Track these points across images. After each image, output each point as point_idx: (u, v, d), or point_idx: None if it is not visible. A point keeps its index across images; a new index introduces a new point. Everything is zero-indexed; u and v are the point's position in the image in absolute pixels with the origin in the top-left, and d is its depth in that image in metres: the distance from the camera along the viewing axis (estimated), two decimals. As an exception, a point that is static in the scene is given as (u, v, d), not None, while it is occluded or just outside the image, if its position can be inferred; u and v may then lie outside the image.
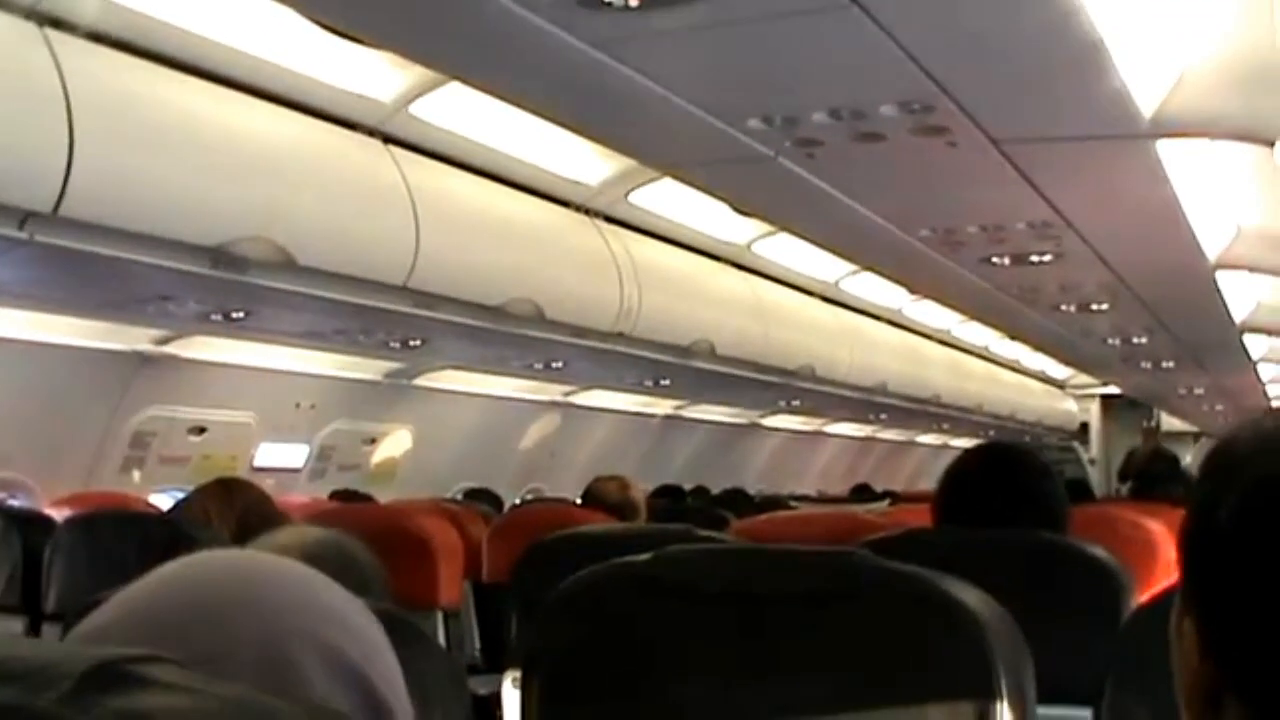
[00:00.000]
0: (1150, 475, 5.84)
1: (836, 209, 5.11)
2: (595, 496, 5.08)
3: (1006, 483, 2.75)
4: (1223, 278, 7.16)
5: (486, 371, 8.34)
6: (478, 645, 4.82)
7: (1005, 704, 1.52)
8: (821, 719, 1.59)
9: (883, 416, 13.96)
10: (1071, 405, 20.53)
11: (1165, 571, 2.80)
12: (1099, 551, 2.58)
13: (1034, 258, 6.12)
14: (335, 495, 7.04)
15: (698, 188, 5.89)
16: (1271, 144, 4.01)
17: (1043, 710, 1.62)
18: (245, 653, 0.75)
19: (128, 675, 0.55)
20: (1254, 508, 0.86)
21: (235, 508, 2.97)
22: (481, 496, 7.74)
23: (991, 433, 15.42)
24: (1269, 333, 9.77)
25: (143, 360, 6.71)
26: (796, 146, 4.21)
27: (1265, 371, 12.49)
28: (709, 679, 1.65)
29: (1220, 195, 5.73)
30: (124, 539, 3.33)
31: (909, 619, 1.59)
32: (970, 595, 1.61)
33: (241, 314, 5.94)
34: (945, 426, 15.03)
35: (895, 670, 1.58)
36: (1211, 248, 6.35)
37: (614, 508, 4.93)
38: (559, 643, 1.79)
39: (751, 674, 1.64)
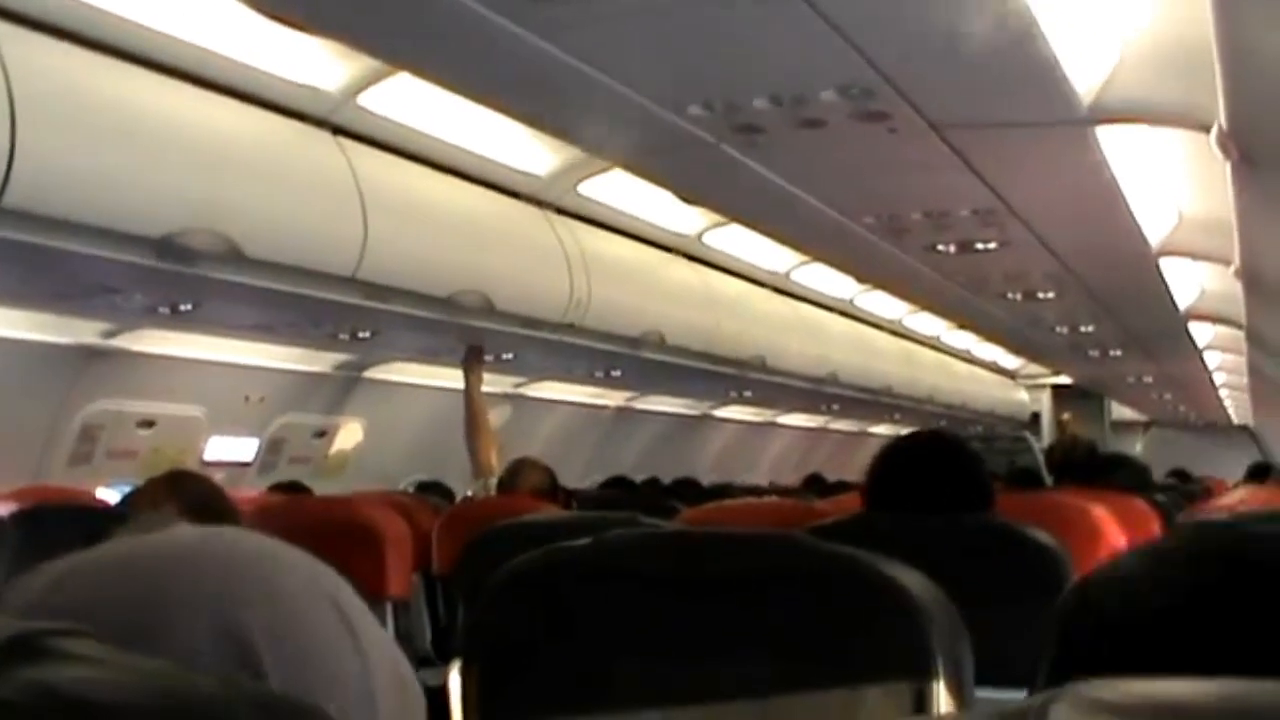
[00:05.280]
0: (1069, 466, 5.89)
1: (781, 197, 5.13)
2: (521, 483, 5.12)
3: (934, 467, 2.79)
4: (1166, 265, 7.22)
5: (438, 364, 8.32)
6: (429, 636, 4.83)
7: (942, 684, 1.53)
8: (760, 700, 1.60)
9: (834, 407, 14.02)
10: (1023, 395, 20.63)
11: (1108, 554, 2.83)
12: (1040, 535, 2.61)
13: (979, 245, 6.16)
14: (275, 488, 7.01)
15: (647, 178, 5.90)
16: (1207, 129, 4.05)
17: (981, 692, 1.64)
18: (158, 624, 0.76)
19: (44, 648, 0.56)
20: None
21: (185, 500, 2.96)
22: (433, 489, 7.73)
23: (943, 423, 15.47)
24: (1213, 320, 9.85)
25: (90, 354, 6.67)
26: (738, 134, 4.22)
27: (1211, 359, 12.59)
28: (649, 662, 1.66)
29: (1162, 183, 5.78)
30: (71, 532, 3.30)
31: (846, 600, 1.61)
32: (908, 576, 1.63)
33: (189, 306, 5.92)
34: (897, 417, 15.09)
35: (833, 651, 1.59)
36: (1154, 235, 6.40)
37: (546, 493, 4.97)
38: (499, 628, 1.79)
39: (690, 656, 1.65)
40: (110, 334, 6.65)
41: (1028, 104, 4.05)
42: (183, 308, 5.92)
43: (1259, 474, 7.58)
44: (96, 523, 3.39)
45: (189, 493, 2.94)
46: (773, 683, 1.60)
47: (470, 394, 7.52)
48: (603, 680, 1.69)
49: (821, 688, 1.58)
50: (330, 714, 0.79)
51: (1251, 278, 6.85)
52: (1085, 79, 3.94)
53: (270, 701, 0.58)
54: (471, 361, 7.55)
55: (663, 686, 1.65)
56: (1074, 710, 0.52)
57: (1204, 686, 0.53)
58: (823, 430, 16.00)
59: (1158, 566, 1.09)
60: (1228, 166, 4.42)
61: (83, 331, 6.54)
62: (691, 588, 1.68)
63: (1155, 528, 3.86)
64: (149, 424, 7.19)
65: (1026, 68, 3.65)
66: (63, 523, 3.53)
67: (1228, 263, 6.70)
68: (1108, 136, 4.57)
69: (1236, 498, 5.60)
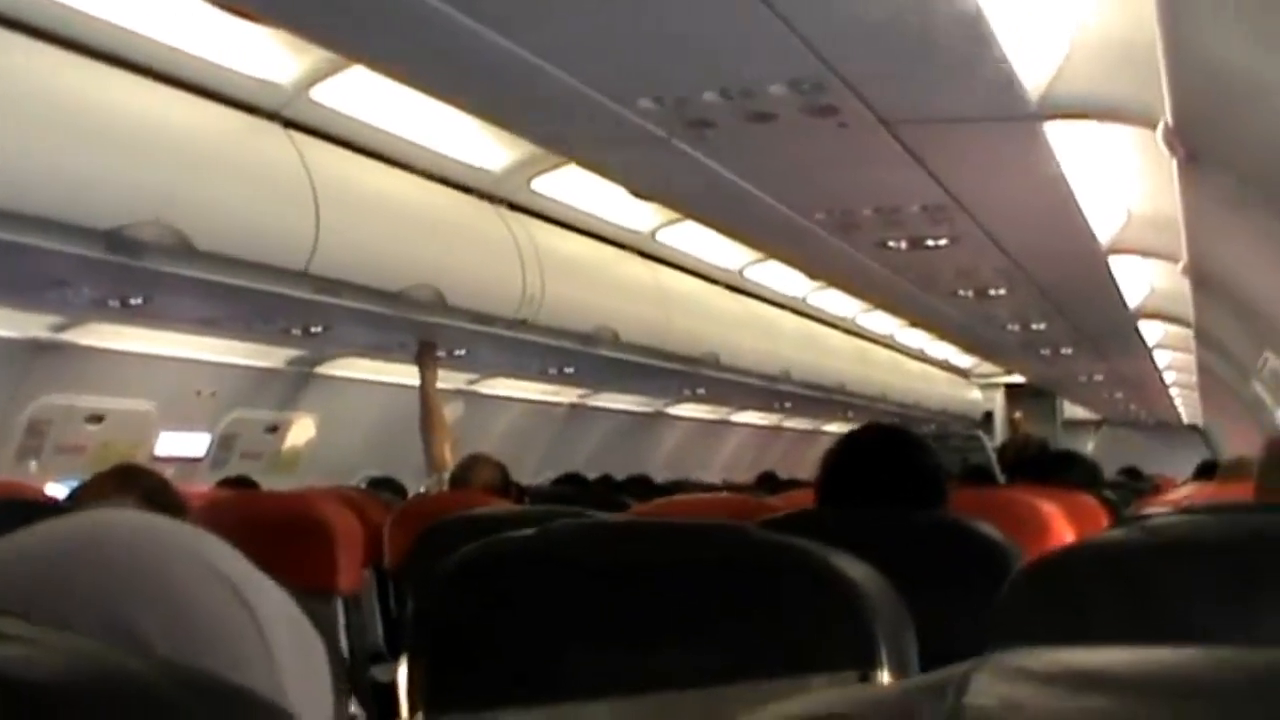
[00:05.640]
0: (1021, 464, 5.95)
1: (731, 192, 5.14)
2: (473, 479, 5.13)
3: (886, 462, 2.79)
4: (1116, 263, 7.27)
5: (392, 359, 8.31)
6: (381, 631, 4.82)
7: (886, 673, 1.54)
8: (706, 689, 1.61)
9: (788, 405, 14.05)
10: (976, 394, 20.75)
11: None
12: (986, 529, 2.62)
13: (929, 241, 6.18)
14: (224, 483, 6.99)
15: (598, 172, 5.90)
16: (1154, 126, 4.08)
17: (928, 682, 1.64)
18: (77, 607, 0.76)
19: None
20: None
21: (133, 494, 2.94)
22: (386, 485, 7.72)
23: (897, 421, 15.53)
24: (1163, 319, 9.92)
25: (38, 347, 6.62)
26: (689, 128, 4.23)
27: (1161, 358, 12.68)
28: (594, 651, 1.66)
29: (1111, 180, 5.82)
30: (16, 528, 3.29)
31: (791, 590, 1.62)
32: (853, 568, 1.64)
33: (139, 300, 5.89)
34: (851, 415, 15.14)
35: (778, 641, 1.60)
36: (1104, 232, 6.44)
37: (498, 489, 4.98)
38: (444, 619, 1.78)
39: (635, 646, 1.65)
40: (59, 328, 6.61)
41: (977, 99, 4.07)
42: (133, 301, 5.89)
43: (1206, 472, 7.64)
44: (42, 518, 3.37)
45: (137, 487, 2.92)
46: (718, 672, 1.60)
47: (425, 389, 7.52)
48: (548, 669, 1.69)
49: (767, 677, 1.59)
50: None
51: (1199, 276, 6.91)
52: (1034, 75, 3.97)
53: (195, 679, 0.58)
54: (425, 357, 7.55)
55: (608, 676, 1.65)
56: (994, 678, 0.53)
57: (1122, 654, 0.54)
58: (777, 428, 16.05)
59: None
60: (1174, 164, 4.45)
61: (30, 325, 6.49)
62: (636, 577, 1.69)
63: (1104, 523, 3.88)
64: (98, 419, 7.16)
65: (975, 63, 3.66)
66: (8, 518, 3.44)
67: (1176, 261, 6.76)
68: (1057, 133, 4.60)
69: (1182, 494, 5.65)
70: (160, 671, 0.57)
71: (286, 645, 0.84)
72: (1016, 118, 4.24)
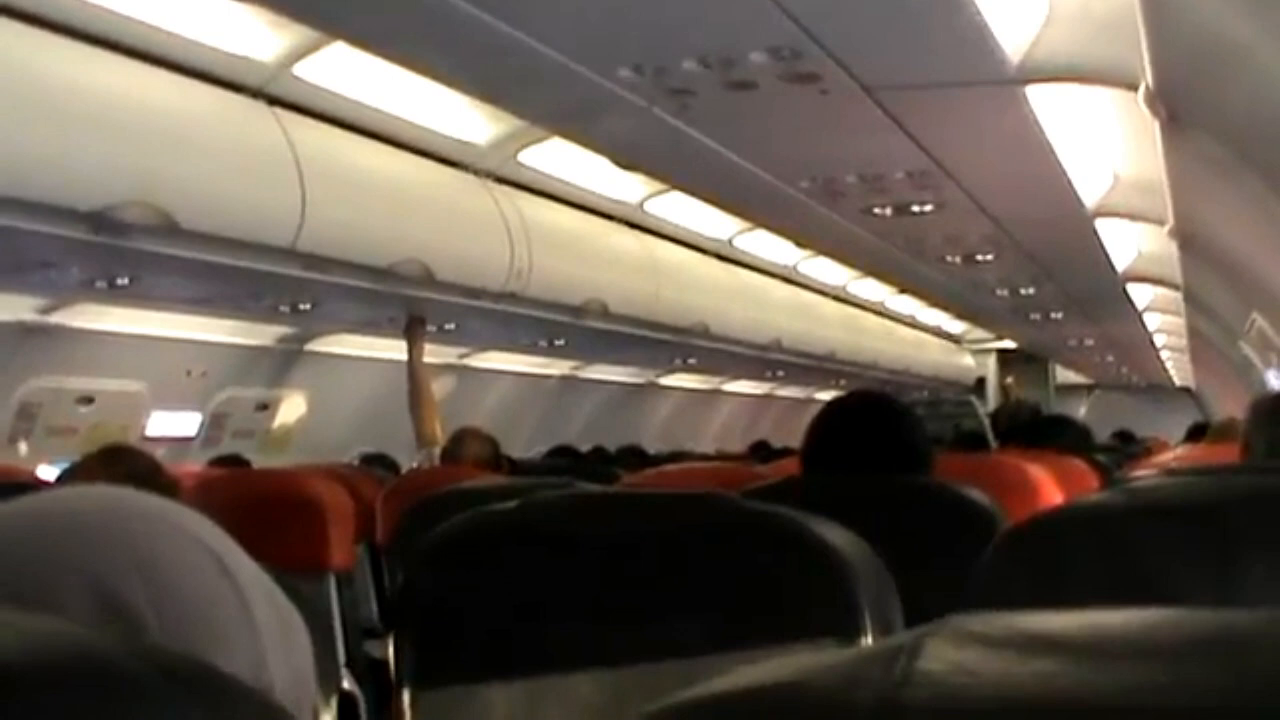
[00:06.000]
0: (1013, 429, 5.97)
1: (715, 161, 5.14)
2: (464, 453, 5.12)
3: (871, 429, 2.79)
4: (1103, 226, 7.28)
5: (381, 335, 8.29)
6: (374, 607, 4.83)
7: (870, 639, 1.53)
8: (689, 660, 1.61)
9: (779, 374, 14.05)
10: (968, 360, 20.72)
11: (1045, 512, 2.85)
12: (972, 492, 2.62)
13: (915, 208, 6.18)
14: (215, 462, 6.98)
15: (581, 143, 5.89)
16: (1135, 89, 4.08)
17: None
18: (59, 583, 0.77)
19: None
20: None
21: (122, 476, 2.93)
22: (378, 462, 7.72)
23: (889, 388, 15.53)
24: (1152, 282, 9.92)
25: (26, 330, 6.61)
26: (669, 97, 4.22)
27: (1151, 321, 12.68)
28: (577, 622, 1.66)
29: (1096, 144, 5.81)
30: (8, 510, 3.29)
31: (774, 559, 1.62)
32: (836, 535, 1.63)
33: (126, 281, 5.88)
34: (843, 383, 15.14)
35: (762, 610, 1.60)
36: (1089, 196, 6.45)
37: (489, 463, 4.97)
38: (428, 594, 1.79)
39: (619, 617, 1.65)
40: (47, 310, 6.60)
41: (957, 64, 4.07)
42: (120, 282, 5.88)
43: (1197, 434, 7.67)
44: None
45: (126, 468, 2.92)
46: (701, 642, 1.60)
47: (413, 364, 7.51)
48: (531, 642, 1.69)
49: (750, 647, 1.59)
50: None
51: (1185, 238, 6.91)
52: (1014, 38, 3.96)
53: (168, 660, 0.58)
54: (413, 332, 7.54)
55: (591, 647, 1.65)
56: (948, 643, 0.53)
57: (1078, 618, 0.54)
58: (769, 397, 16.05)
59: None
60: (1157, 126, 4.45)
61: (19, 308, 6.48)
62: (619, 548, 1.69)
63: (1094, 486, 3.88)
64: (89, 400, 7.15)
65: (955, 27, 3.66)
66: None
67: (1163, 224, 6.76)
68: (1040, 97, 4.60)
69: (1171, 455, 5.66)
70: (132, 653, 0.57)
71: (267, 617, 0.84)
72: (997, 81, 4.24)
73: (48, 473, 6.10)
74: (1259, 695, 0.46)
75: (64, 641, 0.56)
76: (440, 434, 6.88)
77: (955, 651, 0.52)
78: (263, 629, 0.84)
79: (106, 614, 0.77)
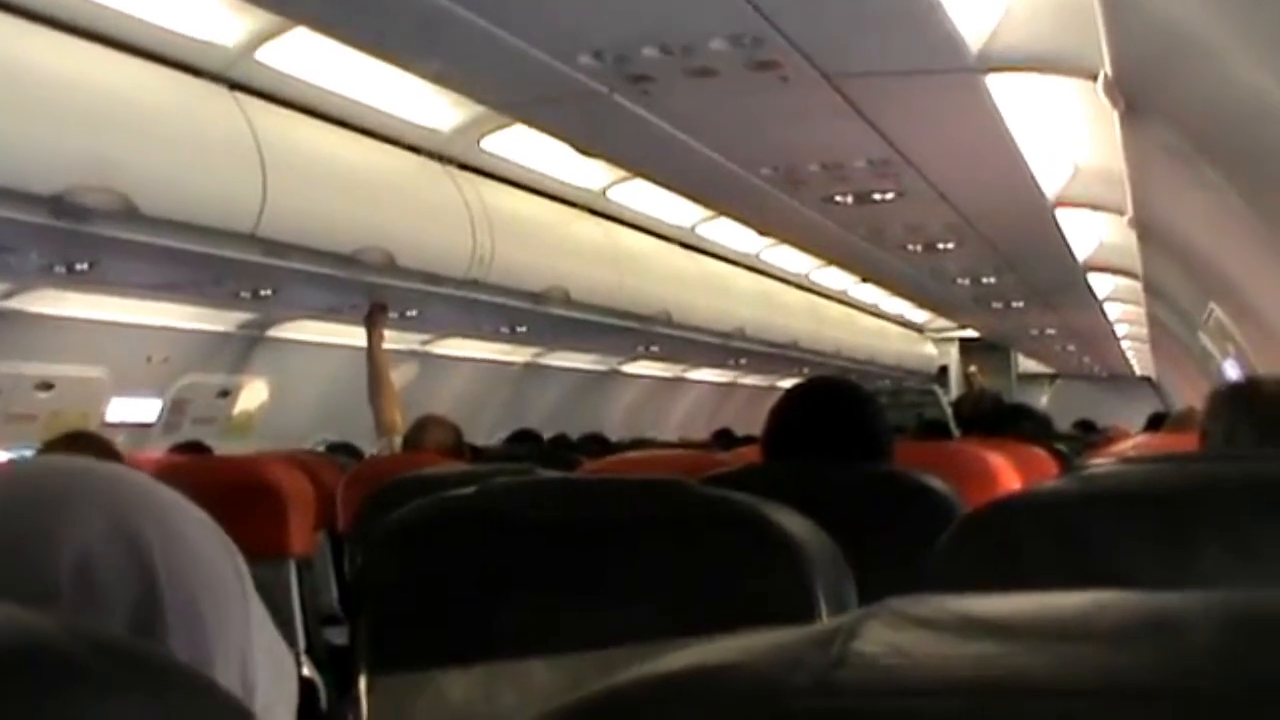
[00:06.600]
0: (975, 418, 6.02)
1: (676, 148, 5.15)
2: (426, 440, 5.11)
3: (831, 416, 2.79)
4: (1063, 216, 7.31)
5: (344, 321, 8.27)
6: (335, 594, 4.82)
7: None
8: (646, 644, 1.61)
9: (743, 362, 14.07)
10: (931, 349, 20.79)
11: (1003, 499, 2.86)
12: (929, 479, 2.62)
13: (876, 196, 6.20)
14: (176, 449, 6.96)
15: (542, 130, 5.89)
16: (1094, 78, 4.10)
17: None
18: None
19: None
20: None
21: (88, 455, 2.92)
22: (342, 450, 7.70)
23: (853, 376, 15.56)
24: (1112, 271, 9.97)
25: (-19, 316, 6.58)
26: (630, 83, 4.23)
27: (1112, 311, 12.74)
28: (532, 609, 1.67)
29: (1057, 134, 5.84)
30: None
31: (729, 544, 1.62)
32: (790, 520, 1.64)
33: (85, 266, 5.84)
34: (806, 371, 15.16)
35: (717, 595, 1.60)
36: (1050, 186, 6.48)
37: (451, 450, 4.97)
38: (385, 580, 1.79)
39: (576, 602, 1.65)
40: (6, 295, 6.55)
41: (916, 52, 4.08)
42: (79, 267, 5.85)
43: (1156, 423, 7.71)
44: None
45: (90, 451, 2.92)
46: (657, 627, 1.60)
47: (372, 352, 7.48)
48: (487, 628, 1.69)
49: (706, 631, 1.57)
50: (220, 639, 0.80)
51: (1144, 228, 6.95)
52: (974, 27, 3.98)
53: (109, 643, 0.58)
54: (374, 319, 7.51)
55: (547, 632, 1.65)
56: (885, 625, 0.54)
57: (1018, 601, 0.54)
58: (732, 385, 16.07)
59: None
60: (1115, 116, 4.47)
61: (-26, 294, 6.45)
62: (574, 534, 1.69)
63: (1053, 473, 3.90)
64: (48, 386, 7.10)
65: (914, 15, 3.67)
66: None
67: (1122, 213, 6.80)
68: (1000, 86, 4.62)
69: (1130, 444, 5.69)
70: (73, 635, 0.57)
71: (258, 606, 0.86)
72: (957, 70, 4.26)
73: (7, 459, 6.07)
74: (1198, 675, 0.47)
75: (3, 622, 0.56)
76: (400, 422, 6.86)
77: (892, 633, 0.53)
78: (253, 611, 0.85)
79: (118, 539, 0.78)
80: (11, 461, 0.88)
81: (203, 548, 0.83)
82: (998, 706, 0.48)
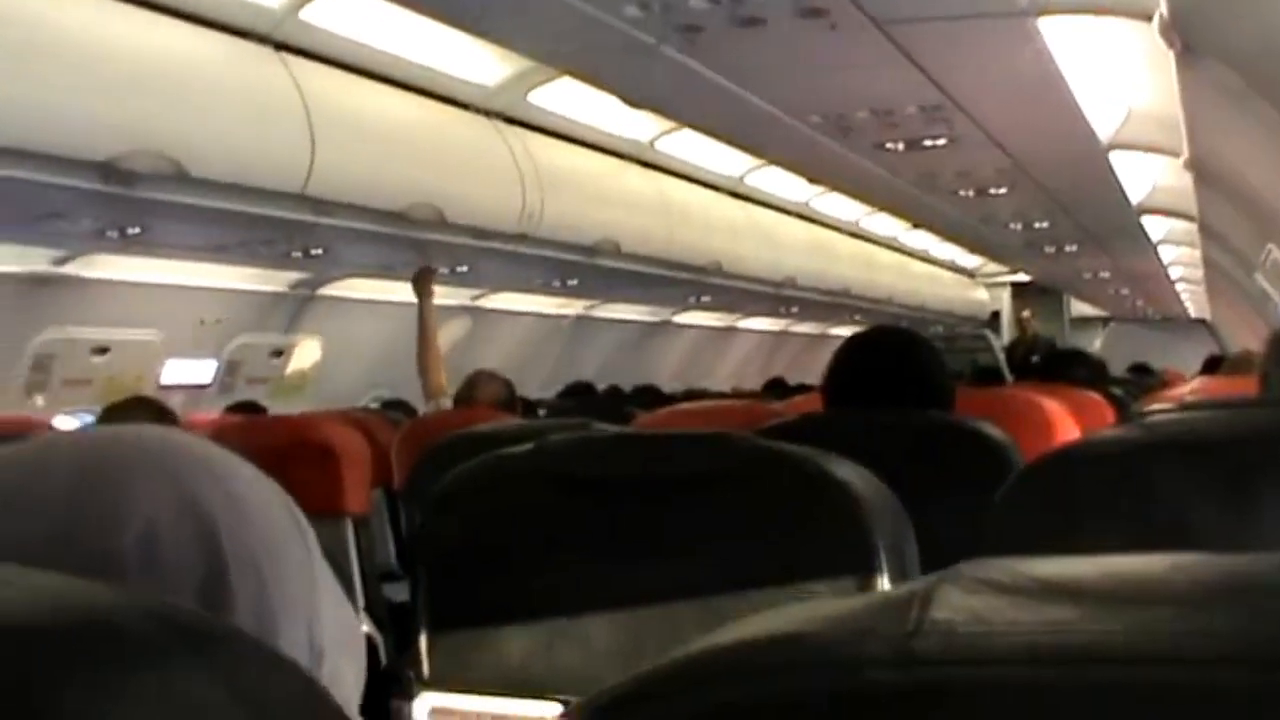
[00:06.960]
0: (1029, 363, 5.99)
1: (725, 98, 5.12)
2: (479, 395, 5.11)
3: (892, 365, 2.77)
4: (1117, 159, 7.24)
5: (396, 279, 8.29)
6: (392, 551, 4.84)
7: (885, 578, 1.54)
8: (704, 599, 1.61)
9: (794, 310, 14.04)
10: (983, 294, 20.66)
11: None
12: (987, 427, 2.61)
13: (927, 142, 6.15)
14: (231, 409, 7.00)
15: (590, 83, 5.86)
16: (1150, 19, 4.04)
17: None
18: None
19: None
20: None
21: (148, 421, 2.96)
22: (397, 407, 7.72)
23: (904, 323, 15.50)
24: (1167, 214, 9.88)
25: (40, 281, 6.62)
26: (678, 34, 4.20)
27: (1166, 254, 12.64)
28: (590, 565, 1.67)
29: (1110, 76, 5.77)
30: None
31: (788, 497, 1.61)
32: (849, 472, 1.63)
33: (137, 230, 5.87)
34: (858, 318, 15.12)
35: (776, 549, 1.59)
36: (1103, 129, 6.41)
37: (504, 404, 4.97)
38: (443, 538, 1.79)
39: (633, 557, 1.65)
40: (61, 261, 6.60)
41: (967, -4, 4.04)
42: (131, 231, 5.88)
43: (1212, 366, 7.64)
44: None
45: (150, 415, 2.95)
46: (716, 583, 1.60)
47: (423, 317, 7.48)
48: (545, 585, 1.70)
49: (766, 585, 1.59)
50: (282, 612, 0.80)
51: (1201, 170, 6.87)
52: (1024, -31, 3.93)
53: (175, 618, 0.58)
54: (423, 284, 7.49)
55: (608, 589, 1.66)
56: (960, 590, 0.53)
57: (1090, 564, 0.54)
58: (784, 334, 16.03)
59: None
60: (1172, 57, 4.42)
61: (32, 259, 6.49)
62: (631, 489, 1.69)
63: (1109, 419, 3.87)
64: (103, 350, 7.16)
65: (964, -41, 3.63)
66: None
67: (1178, 155, 6.72)
68: (1052, 29, 4.56)
69: (1187, 389, 5.63)
70: (136, 608, 0.57)
71: (325, 572, 0.86)
72: (1009, 14, 4.21)
73: (65, 424, 6.13)
74: (1276, 641, 0.46)
75: (68, 598, 0.56)
76: (447, 385, 6.86)
77: (968, 599, 0.52)
78: (320, 580, 0.85)
79: (184, 512, 0.78)
80: (76, 431, 0.88)
81: (267, 514, 0.83)
82: (1078, 674, 0.47)
